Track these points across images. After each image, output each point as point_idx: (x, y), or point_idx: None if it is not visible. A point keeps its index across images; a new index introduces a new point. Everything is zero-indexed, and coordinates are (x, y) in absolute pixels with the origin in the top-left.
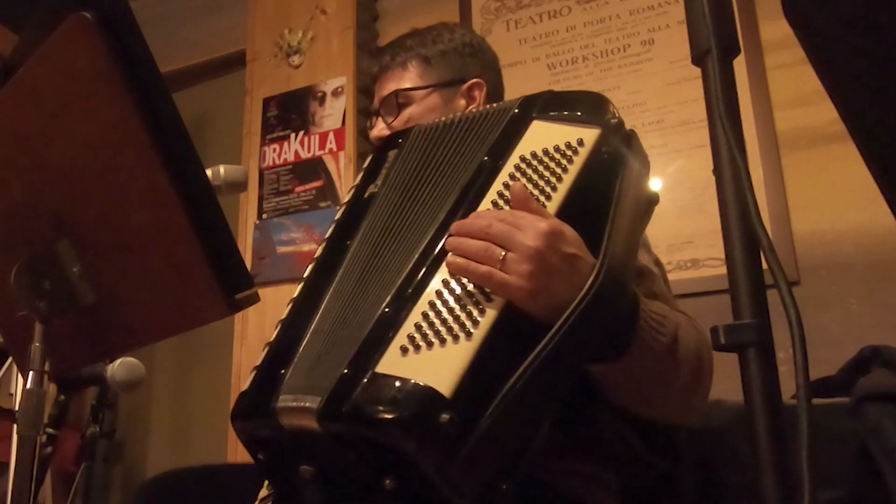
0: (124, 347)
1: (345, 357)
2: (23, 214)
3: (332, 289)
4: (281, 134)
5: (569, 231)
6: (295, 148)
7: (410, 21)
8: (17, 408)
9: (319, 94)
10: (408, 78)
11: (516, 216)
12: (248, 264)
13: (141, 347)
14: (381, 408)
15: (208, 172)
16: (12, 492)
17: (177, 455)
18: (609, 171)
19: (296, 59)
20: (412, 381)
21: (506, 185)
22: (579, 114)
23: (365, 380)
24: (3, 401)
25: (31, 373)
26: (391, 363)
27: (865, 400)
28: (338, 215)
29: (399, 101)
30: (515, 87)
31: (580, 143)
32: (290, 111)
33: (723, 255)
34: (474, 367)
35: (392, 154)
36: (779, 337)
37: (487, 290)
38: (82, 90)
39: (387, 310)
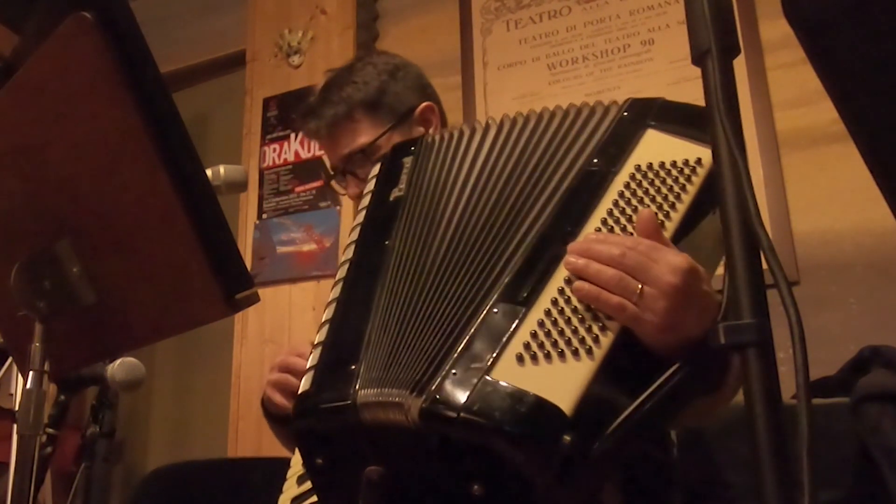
0: (124, 347)
1: (438, 355)
2: (23, 214)
3: (383, 287)
4: (281, 134)
5: (700, 267)
6: (295, 148)
7: (410, 21)
8: (17, 408)
9: None
10: (362, 130)
11: (649, 246)
12: (248, 264)
13: (141, 347)
14: (499, 417)
15: (208, 172)
16: (12, 492)
17: (177, 455)
18: None
19: (296, 59)
20: (534, 394)
21: (621, 195)
22: (697, 129)
23: (477, 384)
24: (3, 401)
25: (31, 373)
26: (508, 371)
27: (865, 400)
28: (360, 219)
29: (367, 154)
30: (515, 87)
31: (699, 162)
32: (290, 111)
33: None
34: (593, 389)
35: (408, 160)
36: (779, 337)
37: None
38: (82, 90)
39: (494, 311)
